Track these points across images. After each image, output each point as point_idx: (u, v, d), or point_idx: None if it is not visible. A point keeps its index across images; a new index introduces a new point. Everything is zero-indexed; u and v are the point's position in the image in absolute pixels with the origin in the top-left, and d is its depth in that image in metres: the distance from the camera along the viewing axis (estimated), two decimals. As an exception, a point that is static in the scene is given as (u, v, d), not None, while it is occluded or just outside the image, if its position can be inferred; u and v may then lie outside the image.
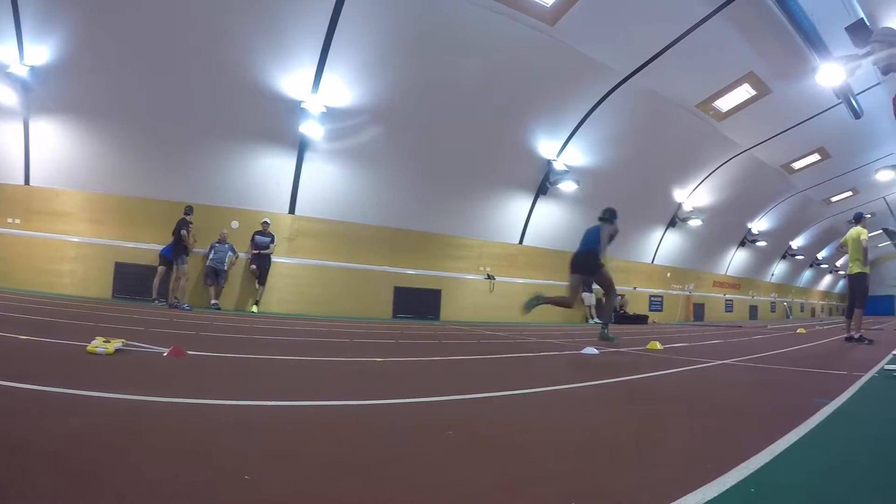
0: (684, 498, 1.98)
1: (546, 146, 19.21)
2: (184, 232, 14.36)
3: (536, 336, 12.42)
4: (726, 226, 30.00)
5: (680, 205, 25.66)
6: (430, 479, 2.17)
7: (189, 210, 14.65)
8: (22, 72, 13.90)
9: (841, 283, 54.97)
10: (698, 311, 31.17)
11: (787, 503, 2.06)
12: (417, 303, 18.54)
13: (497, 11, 14.15)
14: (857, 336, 12.23)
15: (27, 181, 15.22)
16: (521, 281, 21.09)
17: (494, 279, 20.32)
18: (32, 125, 14.80)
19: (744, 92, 18.69)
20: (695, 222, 26.43)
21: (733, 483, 2.18)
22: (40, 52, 13.88)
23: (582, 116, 18.55)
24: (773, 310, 40.84)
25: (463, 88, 16.23)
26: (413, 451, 2.58)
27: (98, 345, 5.04)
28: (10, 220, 15.04)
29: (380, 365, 6.08)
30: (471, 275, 20.01)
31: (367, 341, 9.16)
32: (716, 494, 2.03)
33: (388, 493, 1.96)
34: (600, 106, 18.17)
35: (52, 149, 15.10)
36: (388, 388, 4.60)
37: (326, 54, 14.39)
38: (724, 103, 19.37)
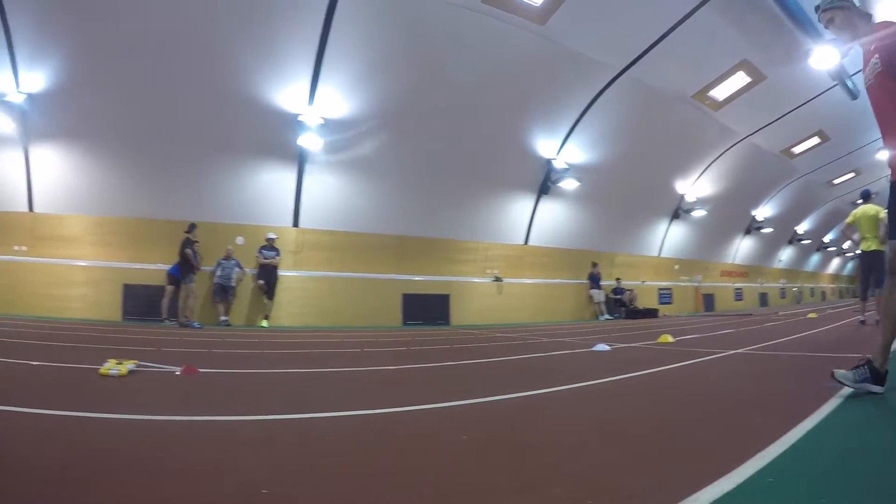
0: (701, 491, 2.01)
1: (545, 145, 19.50)
2: (188, 251, 14.54)
3: (547, 336, 12.55)
4: (730, 214, 30.22)
5: (682, 196, 25.95)
6: (447, 484, 2.24)
7: (191, 227, 14.80)
8: (19, 99, 14.18)
9: (850, 265, 54.72)
10: (708, 301, 31.24)
11: (805, 491, 2.07)
12: (427, 309, 18.75)
13: (486, 14, 14.49)
14: (878, 319, 11.95)
15: (31, 208, 15.44)
16: (528, 281, 21.31)
17: (502, 281, 20.44)
18: (32, 152, 15.05)
19: (739, 80, 19.00)
20: (699, 213, 26.65)
21: (750, 474, 2.21)
22: (36, 78, 14.18)
23: (579, 113, 18.85)
24: (782, 296, 40.85)
25: (458, 92, 16.53)
26: (429, 458, 2.67)
27: (111, 367, 5.17)
28: (16, 248, 15.29)
29: (393, 373, 6.25)
30: (478, 278, 20.19)
31: (379, 350, 9.35)
32: (733, 486, 2.07)
33: (406, 500, 2.05)
34: (596, 102, 18.47)
35: (54, 175, 15.38)
36: (402, 395, 4.75)
37: (320, 66, 14.69)
38: (720, 92, 19.67)
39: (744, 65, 17.95)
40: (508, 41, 15.42)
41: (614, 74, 17.55)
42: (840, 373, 4.03)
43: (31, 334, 9.97)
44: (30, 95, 14.22)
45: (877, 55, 3.85)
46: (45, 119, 14.48)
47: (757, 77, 18.66)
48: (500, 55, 15.85)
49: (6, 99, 14.05)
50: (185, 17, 13.42)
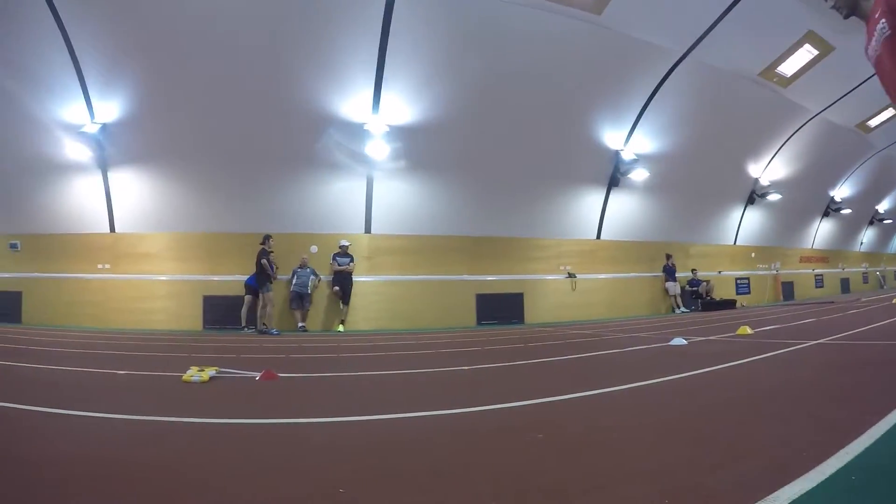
0: (781, 490, 1.95)
1: (612, 137, 19.28)
2: (264, 261, 14.92)
3: (623, 331, 12.44)
4: (807, 197, 29.08)
5: (756, 180, 25.07)
6: (524, 483, 2.26)
7: (266, 239, 15.17)
8: (93, 129, 15.07)
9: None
10: (787, 290, 30.10)
11: (889, 490, 2.01)
12: (501, 308, 18.64)
13: (542, 8, 14.55)
14: None
15: (112, 229, 16.40)
16: (602, 276, 20.99)
17: (576, 277, 20.20)
18: (111, 176, 16.05)
19: (806, 53, 18.38)
20: (774, 197, 25.62)
21: (833, 471, 2.14)
22: (109, 108, 15.16)
23: (644, 102, 18.60)
24: (865, 281, 39.14)
25: (520, 89, 16.56)
26: (504, 456, 2.69)
27: (193, 374, 5.43)
28: (99, 266, 16.32)
29: (467, 373, 6.36)
30: (551, 275, 20.00)
31: (454, 350, 9.48)
32: (814, 485, 2.00)
33: (481, 499, 2.07)
34: (661, 89, 18.19)
35: (133, 196, 16.33)
36: (477, 394, 4.81)
37: (382, 75, 15.12)
38: (788, 67, 19.09)
39: (810, 36, 17.35)
40: (567, 34, 15.46)
41: (677, 58, 17.28)
42: None
43: (118, 345, 10.47)
44: (104, 125, 15.10)
45: (883, 19, 3.46)
46: (120, 145, 15.46)
47: (824, 48, 18.01)
48: (559, 49, 15.89)
49: (83, 130, 14.93)
50: (249, 39, 14.19)
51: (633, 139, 19.55)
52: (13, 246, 16.70)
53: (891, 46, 3.43)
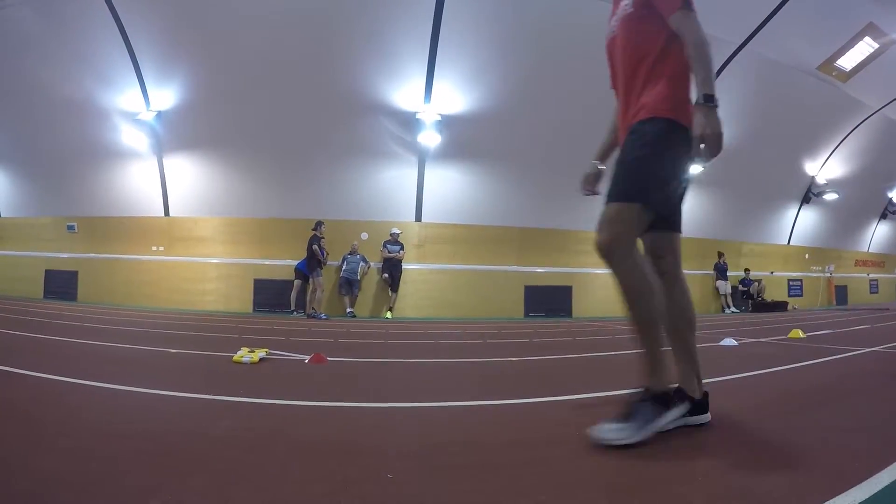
0: (833, 500, 1.91)
1: (663, 129, 18.85)
2: (315, 247, 15.13)
3: None
4: (864, 197, 28.01)
5: (813, 178, 24.37)
6: (567, 479, 2.24)
7: (317, 225, 15.41)
8: (149, 117, 15.73)
9: None
10: (840, 294, 29.34)
11: None
12: (549, 301, 18.58)
13: (593, -5, 14.37)
14: None
15: (167, 213, 16.98)
16: (651, 271, 20.65)
17: (624, 271, 19.96)
18: (166, 162, 16.61)
19: (866, 45, 17.87)
20: (830, 196, 24.82)
21: (887, 483, 2.08)
22: (164, 96, 15.81)
23: (698, 94, 18.17)
24: (923, 288, 38.16)
25: (571, 79, 16.36)
26: (552, 451, 2.66)
27: (243, 355, 5.52)
28: (154, 248, 16.98)
29: (516, 364, 6.35)
30: (600, 269, 19.56)
31: (501, 341, 9.36)
32: (867, 496, 1.95)
33: (527, 492, 2.06)
34: (716, 81, 17.72)
35: (187, 182, 16.88)
36: (524, 386, 4.75)
37: (434, 64, 15.31)
38: (848, 61, 18.55)
39: (870, 28, 16.95)
40: (620, 24, 15.31)
41: (733, 50, 17.04)
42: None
43: (169, 325, 10.72)
44: (159, 113, 15.75)
45: None
46: (175, 132, 16.04)
47: (885, 41, 17.58)
48: (612, 36, 15.74)
49: (139, 118, 15.60)
50: (302, 29, 14.54)
51: (685, 133, 19.19)
52: (70, 227, 17.35)
53: (627, 26, 3.17)
